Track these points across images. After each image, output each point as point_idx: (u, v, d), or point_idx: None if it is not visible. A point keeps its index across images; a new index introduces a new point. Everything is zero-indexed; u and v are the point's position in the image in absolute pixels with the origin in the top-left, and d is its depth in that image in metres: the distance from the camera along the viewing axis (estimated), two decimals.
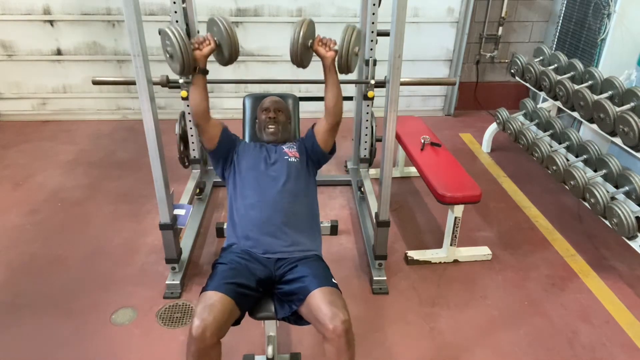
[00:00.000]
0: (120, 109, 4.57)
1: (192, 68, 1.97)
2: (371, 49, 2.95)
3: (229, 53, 1.98)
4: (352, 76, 3.16)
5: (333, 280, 1.80)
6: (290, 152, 2.14)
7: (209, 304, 1.64)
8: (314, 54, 2.03)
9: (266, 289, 1.84)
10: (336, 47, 1.96)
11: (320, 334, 1.66)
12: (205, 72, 2.02)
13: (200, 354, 1.60)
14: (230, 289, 1.70)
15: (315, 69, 2.14)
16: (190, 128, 3.12)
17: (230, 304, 1.67)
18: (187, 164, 3.19)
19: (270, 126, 2.22)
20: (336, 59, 1.98)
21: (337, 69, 2.01)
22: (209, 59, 2.01)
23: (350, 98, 3.47)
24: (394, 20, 2.04)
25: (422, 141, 3.11)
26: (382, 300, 2.49)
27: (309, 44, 1.97)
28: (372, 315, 2.39)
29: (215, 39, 1.97)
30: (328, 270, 1.87)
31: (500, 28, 4.51)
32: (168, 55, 1.95)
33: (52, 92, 4.44)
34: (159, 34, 1.97)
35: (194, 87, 2.01)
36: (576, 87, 3.01)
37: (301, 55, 1.97)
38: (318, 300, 1.67)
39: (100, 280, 2.56)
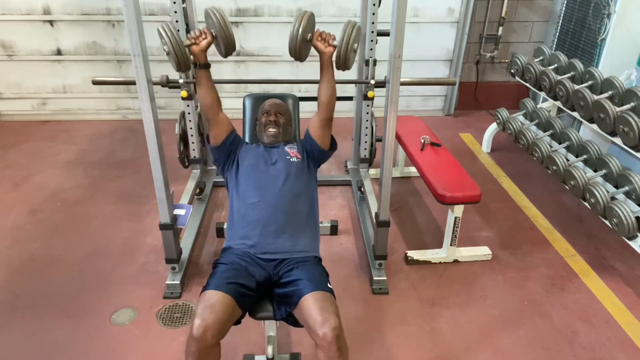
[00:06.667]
0: (120, 109, 4.57)
1: (189, 64, 1.95)
2: (371, 49, 2.95)
3: (224, 44, 1.97)
4: (352, 76, 3.19)
5: (328, 285, 1.79)
6: (292, 152, 2.13)
7: (210, 303, 1.63)
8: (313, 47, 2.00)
9: (265, 290, 1.83)
10: (335, 43, 1.93)
11: (312, 339, 1.64)
12: (207, 65, 2.00)
13: (201, 354, 1.60)
14: (232, 289, 1.70)
15: (315, 69, 2.13)
16: (190, 128, 3.12)
17: (231, 303, 1.66)
18: (187, 164, 3.19)
19: (270, 129, 2.21)
20: (334, 54, 1.95)
21: (334, 65, 1.98)
22: (211, 56, 2.00)
23: (350, 98, 3.47)
24: (394, 20, 2.04)
25: (422, 141, 3.11)
26: (382, 300, 2.49)
27: (308, 37, 1.94)
28: (372, 315, 2.39)
29: (212, 31, 1.96)
30: (324, 275, 1.86)
31: (500, 28, 4.51)
32: (167, 54, 1.95)
33: (52, 92, 4.45)
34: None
35: (197, 82, 2.02)
36: (576, 87, 3.00)
37: (300, 49, 1.94)
38: (310, 305, 1.66)
39: (100, 280, 2.56)
